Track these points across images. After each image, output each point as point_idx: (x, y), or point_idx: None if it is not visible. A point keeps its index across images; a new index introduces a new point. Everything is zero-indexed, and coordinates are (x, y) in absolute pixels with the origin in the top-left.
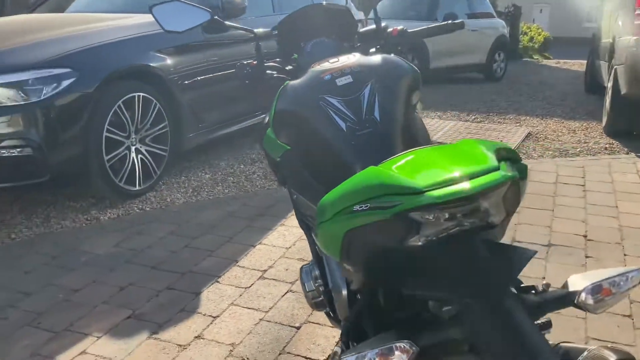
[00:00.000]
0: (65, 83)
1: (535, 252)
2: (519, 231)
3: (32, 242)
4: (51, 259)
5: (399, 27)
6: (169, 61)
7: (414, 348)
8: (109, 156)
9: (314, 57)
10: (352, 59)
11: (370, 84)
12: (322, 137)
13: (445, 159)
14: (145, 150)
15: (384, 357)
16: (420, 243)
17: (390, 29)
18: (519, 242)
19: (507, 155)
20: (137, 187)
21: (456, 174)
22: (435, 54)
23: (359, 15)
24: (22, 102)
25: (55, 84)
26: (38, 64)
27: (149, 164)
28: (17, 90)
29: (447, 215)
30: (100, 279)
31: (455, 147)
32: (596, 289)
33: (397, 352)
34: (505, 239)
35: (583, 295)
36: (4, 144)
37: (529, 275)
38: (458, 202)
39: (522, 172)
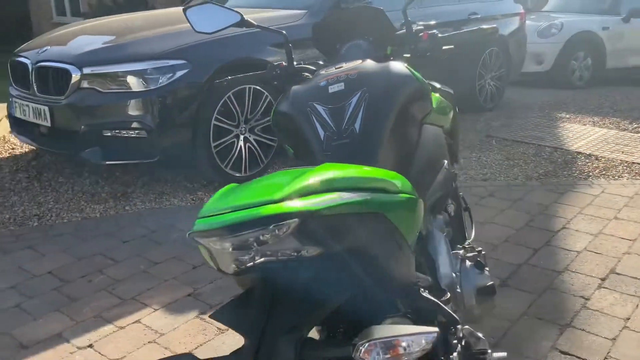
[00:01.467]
0: (180, 73)
1: None
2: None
3: (140, 215)
4: (150, 232)
5: (430, 32)
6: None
7: None
8: (217, 142)
9: (346, 61)
10: (357, 65)
11: (360, 93)
12: (304, 144)
13: (253, 186)
14: (254, 139)
15: None
16: (233, 269)
17: (421, 33)
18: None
19: (344, 186)
20: (243, 174)
21: (231, 204)
22: (614, 53)
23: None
24: (143, 89)
25: (170, 74)
26: (156, 55)
27: (256, 153)
28: (139, 78)
29: (218, 245)
30: (180, 256)
31: (284, 173)
32: (387, 345)
33: None
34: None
35: (362, 350)
36: (123, 125)
37: None
38: (210, 233)
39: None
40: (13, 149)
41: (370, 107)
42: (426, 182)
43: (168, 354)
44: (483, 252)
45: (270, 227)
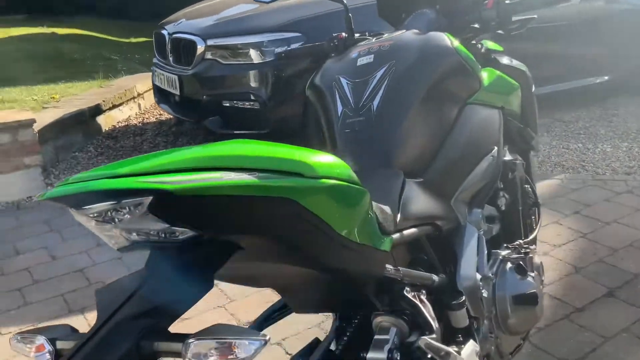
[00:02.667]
0: (294, 46)
1: None
2: None
3: None
4: None
5: None
6: None
7: None
8: None
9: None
10: (396, 35)
11: (386, 66)
12: (324, 119)
13: (149, 156)
14: None
15: None
16: (113, 245)
17: (485, 0)
18: None
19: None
20: None
21: (99, 172)
22: None
23: None
24: (259, 62)
25: (285, 47)
26: (273, 28)
27: None
28: (255, 50)
29: (77, 217)
30: None
31: (193, 147)
32: (217, 346)
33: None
34: None
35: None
36: (240, 96)
37: None
38: (57, 200)
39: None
40: (160, 114)
41: (395, 82)
42: (460, 169)
43: (233, 321)
44: (531, 255)
45: (122, 202)
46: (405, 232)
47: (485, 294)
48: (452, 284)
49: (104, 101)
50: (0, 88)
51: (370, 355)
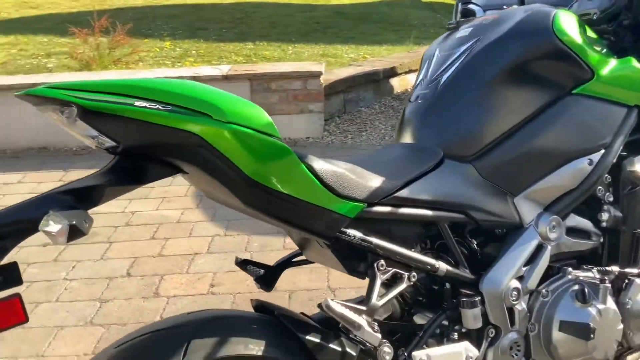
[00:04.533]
0: None
1: None
2: None
3: None
4: None
5: None
6: None
7: None
8: None
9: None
10: (507, 10)
11: (472, 41)
12: (412, 88)
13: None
14: None
15: None
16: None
17: None
18: None
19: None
20: None
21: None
22: None
23: None
24: None
25: None
26: None
27: None
28: None
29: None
30: None
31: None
32: None
33: None
34: None
35: None
36: None
37: None
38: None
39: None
40: None
41: (471, 58)
42: (534, 165)
43: None
44: (608, 284)
45: (57, 106)
46: (401, 209)
47: (524, 306)
48: (473, 281)
49: (400, 65)
50: (331, 45)
51: None
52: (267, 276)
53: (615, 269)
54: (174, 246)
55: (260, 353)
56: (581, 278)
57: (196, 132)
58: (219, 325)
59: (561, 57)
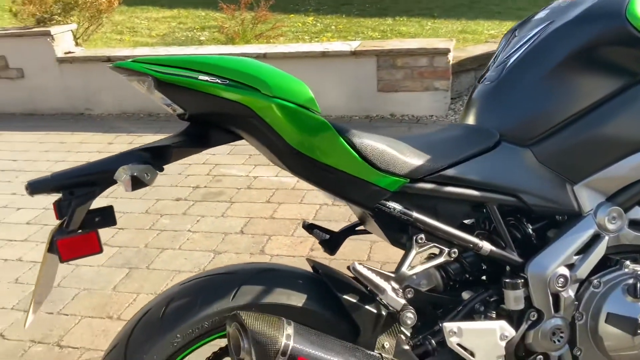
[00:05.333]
0: None
1: None
2: None
3: None
4: None
5: None
6: None
7: None
8: None
9: None
10: None
11: (544, 24)
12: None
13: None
14: None
15: None
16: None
17: None
18: None
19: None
20: None
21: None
22: None
23: None
24: None
25: None
26: None
27: None
28: None
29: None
30: None
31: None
32: None
33: None
34: None
35: None
36: None
37: None
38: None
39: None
40: None
41: (539, 42)
42: (600, 152)
43: None
44: None
45: (139, 77)
46: (447, 187)
47: (570, 294)
48: (519, 264)
49: None
50: (473, 20)
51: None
52: (332, 241)
53: None
54: (285, 210)
55: (299, 305)
56: (638, 273)
57: (246, 103)
58: (268, 276)
59: (632, 44)
